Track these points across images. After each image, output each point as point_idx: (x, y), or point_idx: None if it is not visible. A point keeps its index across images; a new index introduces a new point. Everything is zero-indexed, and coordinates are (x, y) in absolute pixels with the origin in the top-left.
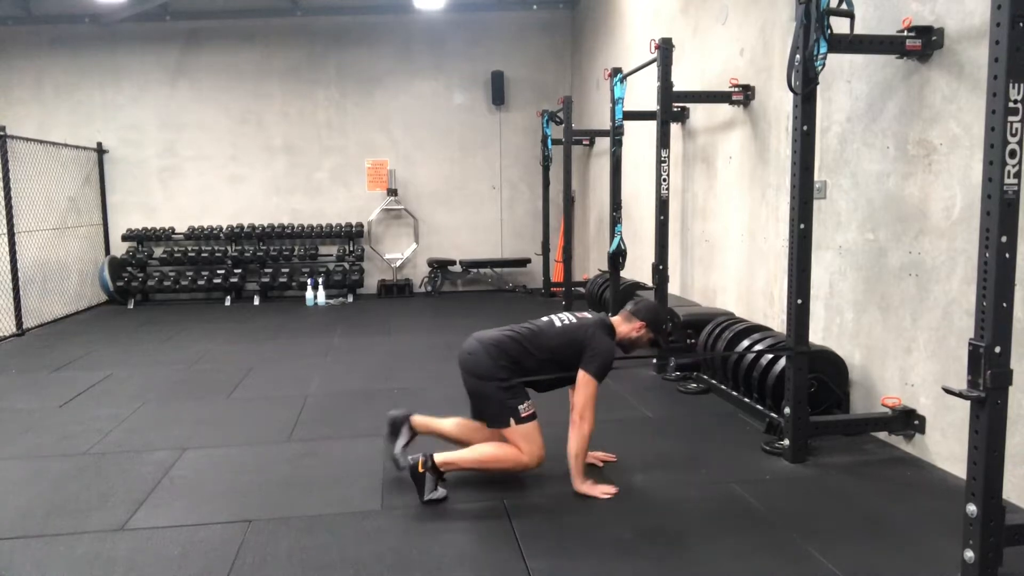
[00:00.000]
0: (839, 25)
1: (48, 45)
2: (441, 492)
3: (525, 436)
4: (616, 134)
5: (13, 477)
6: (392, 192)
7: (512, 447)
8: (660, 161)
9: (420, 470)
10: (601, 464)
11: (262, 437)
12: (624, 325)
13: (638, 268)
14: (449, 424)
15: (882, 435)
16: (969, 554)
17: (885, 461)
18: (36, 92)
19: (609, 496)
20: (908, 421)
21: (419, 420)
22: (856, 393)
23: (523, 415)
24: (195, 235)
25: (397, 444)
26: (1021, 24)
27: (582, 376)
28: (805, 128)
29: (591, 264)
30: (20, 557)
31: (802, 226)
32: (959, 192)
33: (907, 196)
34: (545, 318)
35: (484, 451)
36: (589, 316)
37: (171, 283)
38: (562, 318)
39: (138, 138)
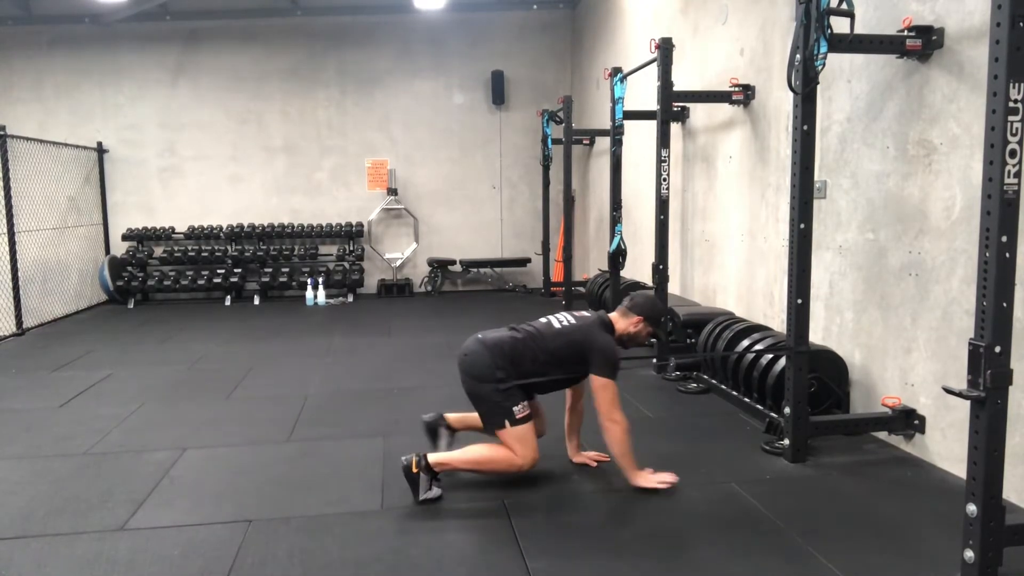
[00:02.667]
0: (839, 25)
1: (48, 45)
2: (436, 492)
3: (519, 438)
4: (616, 134)
5: (13, 477)
6: (392, 192)
7: (506, 449)
8: (660, 161)
9: (414, 470)
10: (595, 464)
11: (262, 437)
12: (622, 321)
13: (638, 268)
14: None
15: (882, 435)
16: (969, 554)
17: (885, 461)
18: (36, 92)
19: (668, 485)
20: (908, 421)
21: (454, 417)
22: (856, 393)
23: (518, 417)
24: (195, 235)
25: (440, 446)
26: (1021, 24)
27: (596, 381)
28: (805, 128)
29: (591, 264)
30: (20, 557)
31: (802, 226)
32: (959, 192)
33: (907, 196)
34: (544, 319)
35: (478, 452)
36: (587, 315)
37: (171, 283)
38: (560, 319)
39: (138, 138)
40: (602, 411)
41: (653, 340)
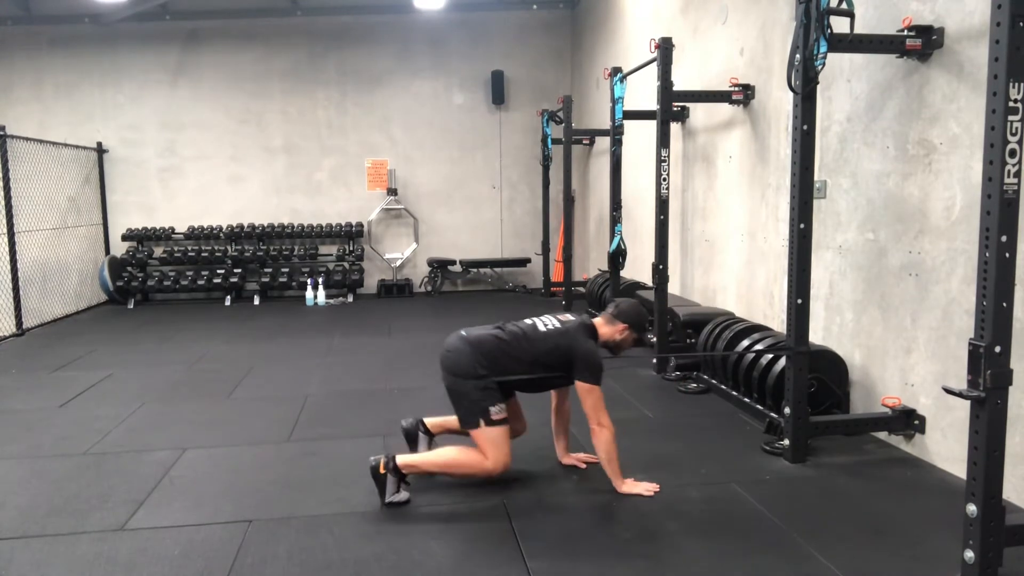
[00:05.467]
0: (839, 25)
1: (48, 45)
2: (403, 495)
3: (492, 441)
4: (616, 134)
5: (13, 477)
6: (392, 192)
7: (476, 452)
8: (660, 161)
9: (381, 471)
10: (584, 466)
11: (262, 437)
12: (607, 327)
13: (638, 268)
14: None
15: (882, 435)
16: (969, 554)
17: (885, 461)
18: (36, 92)
19: (651, 493)
20: (908, 421)
21: (433, 422)
22: (856, 393)
23: (493, 418)
24: (195, 235)
25: (419, 451)
26: (1021, 24)
27: (582, 387)
28: (805, 128)
29: (591, 264)
30: (20, 557)
31: (802, 226)
32: (959, 192)
33: (907, 196)
34: (529, 320)
35: (447, 455)
36: (572, 319)
37: (171, 283)
38: (545, 322)
39: (138, 138)
40: (588, 416)
41: (639, 346)
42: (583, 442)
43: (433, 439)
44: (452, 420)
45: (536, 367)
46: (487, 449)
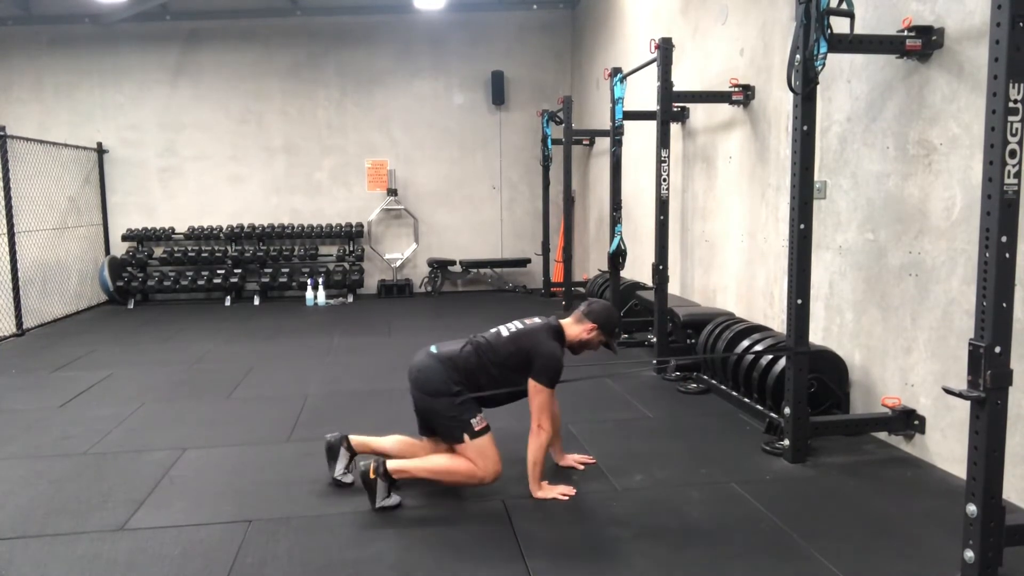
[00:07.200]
0: (839, 25)
1: (48, 45)
2: (394, 499)
3: (480, 451)
4: (616, 134)
5: (13, 477)
6: (392, 192)
7: (465, 460)
8: (660, 161)
9: (371, 476)
10: (582, 467)
11: (262, 437)
12: (575, 326)
13: (638, 268)
14: (389, 442)
15: (882, 435)
16: (969, 554)
17: (885, 461)
18: (36, 92)
19: (567, 497)
20: (908, 421)
21: (357, 440)
22: (856, 393)
23: (476, 429)
24: (195, 235)
25: (337, 467)
26: (1021, 24)
27: (532, 385)
28: (805, 128)
29: (591, 264)
30: (20, 557)
31: (802, 226)
32: (959, 192)
33: (907, 196)
34: (494, 328)
35: (438, 462)
36: (538, 321)
37: (171, 283)
38: (510, 327)
39: (138, 138)
40: (533, 415)
41: (607, 349)
42: (584, 443)
43: (354, 458)
44: (382, 442)
45: (504, 377)
46: (476, 460)
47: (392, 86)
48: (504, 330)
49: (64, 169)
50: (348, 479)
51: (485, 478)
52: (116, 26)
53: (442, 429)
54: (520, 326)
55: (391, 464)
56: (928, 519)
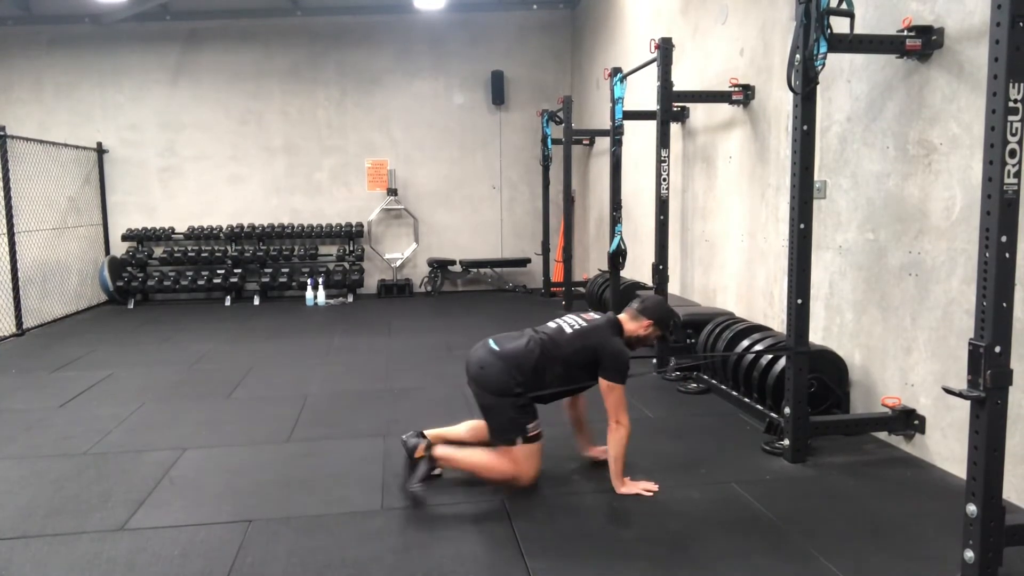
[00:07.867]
0: (839, 25)
1: (48, 45)
2: (424, 484)
3: (528, 455)
4: (616, 134)
5: (13, 477)
6: (392, 192)
7: (510, 461)
8: (660, 161)
9: (418, 455)
10: (604, 458)
11: (262, 437)
12: (631, 323)
13: (638, 268)
14: (463, 429)
15: (882, 435)
16: (969, 554)
17: (885, 461)
18: (36, 92)
19: (651, 493)
20: (908, 421)
21: (433, 433)
22: (856, 393)
23: (530, 434)
24: (195, 235)
25: (419, 472)
26: (1021, 24)
27: (605, 384)
28: (805, 128)
29: (591, 264)
30: (20, 557)
31: (802, 226)
32: (959, 192)
33: (907, 196)
34: (553, 324)
35: (481, 457)
36: (597, 317)
37: (171, 283)
38: (570, 322)
39: (138, 138)
40: (610, 412)
41: (662, 342)
42: (599, 440)
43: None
44: (452, 431)
45: (568, 375)
46: (522, 463)
47: (392, 86)
48: (567, 327)
49: (64, 169)
50: (437, 471)
51: (522, 481)
52: (116, 26)
53: (496, 426)
54: (583, 323)
55: (438, 451)
56: (928, 519)
